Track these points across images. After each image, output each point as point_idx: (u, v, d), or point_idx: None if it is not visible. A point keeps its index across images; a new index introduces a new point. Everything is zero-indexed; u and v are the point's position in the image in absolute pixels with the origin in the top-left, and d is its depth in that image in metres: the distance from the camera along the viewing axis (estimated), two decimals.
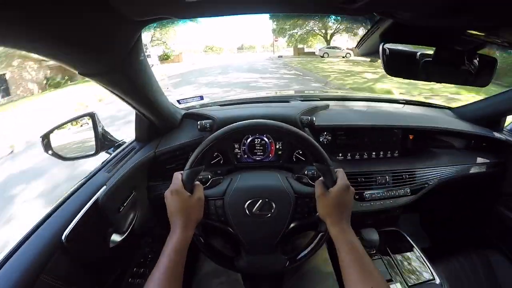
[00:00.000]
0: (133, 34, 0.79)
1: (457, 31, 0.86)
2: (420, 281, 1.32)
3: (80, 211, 1.02)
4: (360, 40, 1.02)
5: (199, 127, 1.35)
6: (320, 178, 0.92)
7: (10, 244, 0.88)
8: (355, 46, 1.46)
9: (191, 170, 0.88)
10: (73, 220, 0.98)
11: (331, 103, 1.67)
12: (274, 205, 0.94)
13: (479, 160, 1.59)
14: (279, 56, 28.77)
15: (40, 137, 1.15)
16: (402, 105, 1.79)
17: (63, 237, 0.93)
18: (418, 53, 0.96)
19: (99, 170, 1.22)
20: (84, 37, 0.65)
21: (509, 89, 1.49)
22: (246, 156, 1.43)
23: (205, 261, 1.23)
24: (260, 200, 0.94)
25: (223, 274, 1.18)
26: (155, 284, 0.74)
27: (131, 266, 1.29)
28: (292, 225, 0.95)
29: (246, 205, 0.94)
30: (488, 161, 1.60)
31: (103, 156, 1.33)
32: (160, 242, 1.39)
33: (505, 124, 1.67)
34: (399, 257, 1.45)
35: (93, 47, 0.71)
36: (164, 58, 28.26)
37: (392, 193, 1.43)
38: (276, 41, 35.48)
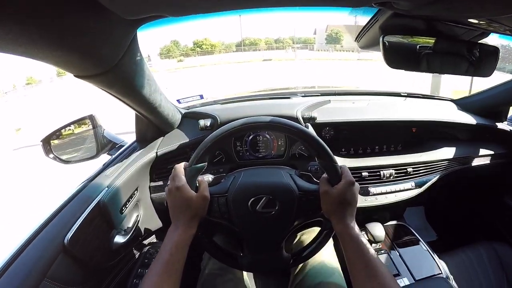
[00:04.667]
0: (128, 34, 0.78)
1: (458, 20, 0.84)
2: (427, 275, 1.32)
3: (82, 213, 1.01)
4: (360, 32, 1.01)
5: (199, 126, 1.34)
6: (325, 175, 0.91)
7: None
8: (354, 39, 1.41)
9: (194, 167, 0.87)
10: (75, 222, 0.98)
11: (332, 98, 1.66)
12: (277, 203, 0.92)
13: (483, 151, 1.57)
14: None
15: (40, 141, 1.14)
16: (404, 98, 1.77)
17: (65, 240, 0.92)
18: (419, 45, 0.96)
19: (100, 172, 1.22)
20: (77, 39, 0.64)
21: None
22: (248, 153, 1.43)
23: (210, 260, 1.22)
24: (264, 197, 0.92)
25: (229, 272, 1.17)
26: (154, 278, 0.73)
27: (135, 267, 1.29)
28: (296, 222, 0.94)
29: (249, 203, 0.92)
30: (492, 152, 1.58)
31: (104, 158, 1.33)
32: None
33: (509, 115, 1.65)
34: (405, 251, 1.45)
35: (86, 49, 0.70)
36: None
37: (397, 187, 1.42)
38: None
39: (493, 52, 0.97)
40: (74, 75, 0.82)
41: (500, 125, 1.59)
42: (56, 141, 1.20)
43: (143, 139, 1.41)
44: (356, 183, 0.87)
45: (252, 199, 0.92)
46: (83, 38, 0.66)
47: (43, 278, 0.84)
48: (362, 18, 0.95)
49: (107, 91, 0.96)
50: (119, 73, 0.87)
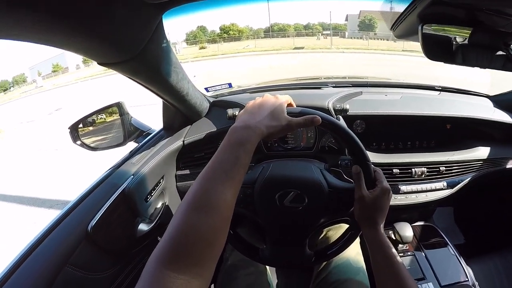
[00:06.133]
0: (153, 19, 0.76)
1: (503, 10, 0.79)
2: (453, 281, 1.28)
3: (107, 201, 1.02)
4: (396, 21, 0.96)
5: (228, 115, 1.30)
6: (359, 176, 0.85)
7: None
8: (389, 27, 1.33)
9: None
10: (100, 209, 0.99)
11: (364, 89, 1.61)
12: (306, 198, 0.90)
13: None
14: None
15: (68, 128, 1.16)
16: (438, 92, 1.69)
17: (89, 227, 0.93)
18: (455, 36, 0.91)
19: (126, 159, 1.23)
20: (98, 25, 0.62)
21: None
22: (276, 144, 1.40)
23: (233, 251, 1.22)
24: (292, 192, 0.90)
25: (251, 265, 1.17)
26: (210, 185, 0.55)
27: None
28: (322, 220, 0.92)
29: (277, 196, 0.90)
30: None
31: (131, 146, 1.34)
32: None
33: None
34: (432, 253, 1.40)
35: (109, 35, 0.68)
36: None
37: (428, 187, 1.36)
38: None
39: None
40: (98, 63, 0.81)
41: None
42: (83, 128, 1.22)
43: (170, 127, 1.41)
44: (391, 191, 0.84)
45: (280, 192, 0.90)
46: (105, 24, 0.64)
47: (66, 264, 0.85)
48: (398, 5, 0.91)
49: (132, 79, 0.96)
50: (144, 60, 0.86)
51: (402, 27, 0.97)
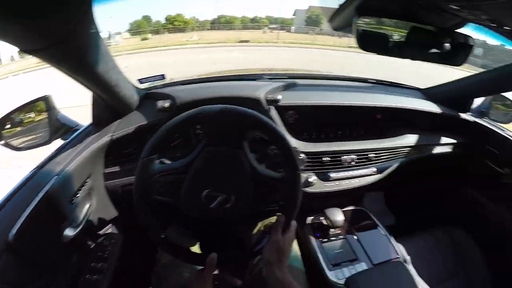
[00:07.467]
0: (82, 1, 0.68)
1: (437, 5, 0.82)
2: (385, 259, 1.36)
3: (29, 204, 0.92)
4: (334, 13, 0.97)
5: (157, 107, 1.25)
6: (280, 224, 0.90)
7: None
8: (328, 20, 1.35)
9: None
10: (21, 215, 0.88)
11: (299, 81, 1.62)
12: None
13: (445, 140, 1.62)
14: None
15: None
16: (371, 84, 1.78)
17: (10, 235, 0.83)
18: (391, 34, 0.94)
19: (50, 159, 1.11)
20: (22, 6, 0.55)
21: (480, 72, 1.52)
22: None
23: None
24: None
25: (183, 264, 1.16)
26: None
27: (88, 261, 1.20)
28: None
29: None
30: (454, 141, 1.63)
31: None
32: (121, 232, 1.32)
33: (472, 106, 1.69)
34: (363, 235, 1.48)
35: (34, 16, 0.60)
36: None
37: (358, 173, 1.44)
38: None
39: (468, 42, 0.96)
40: (21, 50, 0.71)
41: (464, 116, 1.63)
42: (8, 126, 1.11)
43: (100, 121, 1.30)
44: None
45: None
46: (30, 4, 0.56)
47: None
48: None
49: (57, 67, 0.86)
50: (70, 46, 0.77)
51: (340, 19, 0.99)
